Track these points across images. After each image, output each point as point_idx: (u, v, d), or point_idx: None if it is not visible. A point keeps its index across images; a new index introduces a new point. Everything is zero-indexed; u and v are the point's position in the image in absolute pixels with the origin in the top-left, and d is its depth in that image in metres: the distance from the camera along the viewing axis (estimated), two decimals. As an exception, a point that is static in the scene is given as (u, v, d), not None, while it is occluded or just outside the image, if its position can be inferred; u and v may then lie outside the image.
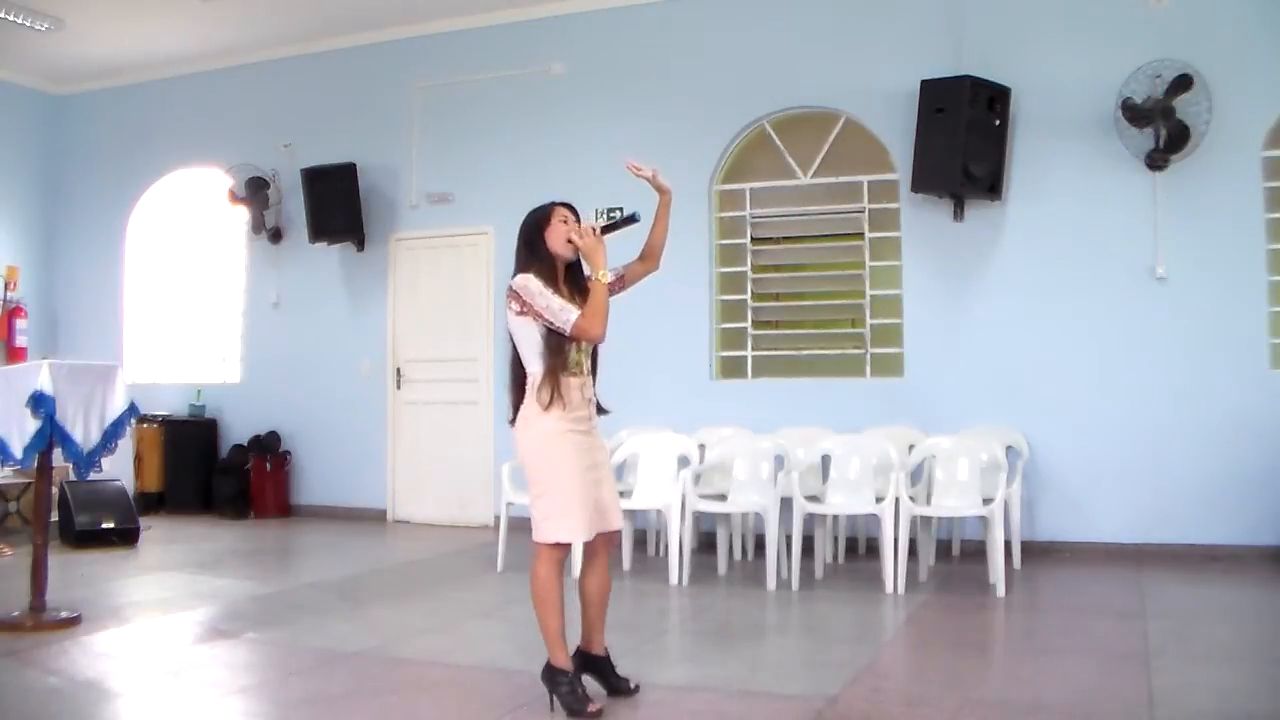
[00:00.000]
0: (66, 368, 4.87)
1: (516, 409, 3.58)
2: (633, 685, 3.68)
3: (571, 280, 3.59)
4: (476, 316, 8.42)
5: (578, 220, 3.60)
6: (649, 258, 3.76)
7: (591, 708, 3.45)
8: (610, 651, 3.72)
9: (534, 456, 3.52)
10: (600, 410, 3.65)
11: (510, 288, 3.50)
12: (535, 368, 3.50)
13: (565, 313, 3.42)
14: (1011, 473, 6.05)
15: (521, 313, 3.47)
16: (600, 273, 3.47)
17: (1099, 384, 6.67)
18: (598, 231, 3.53)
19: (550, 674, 3.54)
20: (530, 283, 3.46)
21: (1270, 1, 6.42)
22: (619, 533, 3.69)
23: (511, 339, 3.56)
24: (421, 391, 8.61)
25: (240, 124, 9.30)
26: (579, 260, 3.59)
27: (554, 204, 3.62)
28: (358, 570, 6.47)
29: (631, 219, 3.62)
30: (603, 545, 3.64)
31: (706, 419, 7.08)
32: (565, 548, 3.54)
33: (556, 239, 3.54)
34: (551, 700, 3.53)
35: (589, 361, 3.59)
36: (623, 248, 3.69)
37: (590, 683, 3.64)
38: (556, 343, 3.46)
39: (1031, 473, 6.64)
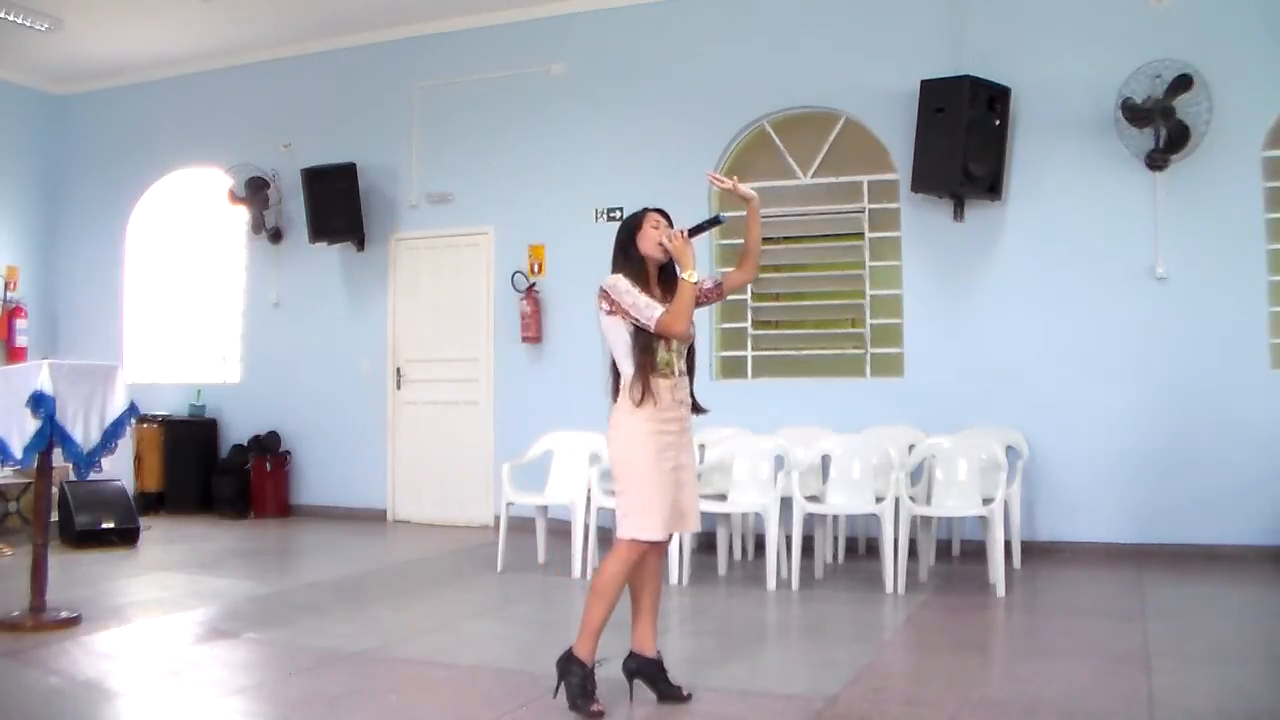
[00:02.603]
0: (66, 368, 4.87)
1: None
2: (685, 693, 3.66)
3: (664, 282, 3.66)
4: (476, 316, 8.42)
5: (670, 225, 3.67)
6: (746, 265, 3.83)
7: (595, 708, 3.45)
8: (663, 656, 3.71)
9: (619, 453, 3.58)
10: (697, 410, 3.71)
11: (600, 288, 3.58)
12: (626, 367, 3.57)
13: (650, 310, 3.48)
14: (1011, 473, 6.04)
15: (611, 312, 3.55)
16: (688, 273, 3.53)
17: (1099, 384, 6.67)
18: (685, 234, 3.61)
19: (567, 661, 3.53)
20: (619, 282, 3.55)
21: (1270, 1, 6.42)
22: (670, 536, 3.74)
23: (604, 340, 3.63)
24: (421, 391, 8.62)
25: (240, 124, 9.30)
26: (672, 263, 3.66)
27: (647, 209, 3.70)
28: (358, 570, 6.48)
29: (716, 220, 3.75)
30: (658, 548, 3.66)
31: (707, 419, 7.04)
32: (643, 547, 3.54)
33: (648, 242, 3.62)
34: (557, 687, 3.52)
35: (681, 363, 3.64)
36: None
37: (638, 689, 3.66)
38: (645, 342, 3.53)
39: (1031, 473, 6.64)
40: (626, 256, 3.63)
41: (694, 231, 3.64)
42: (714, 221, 3.74)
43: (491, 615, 5.38)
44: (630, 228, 3.67)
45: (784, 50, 7.52)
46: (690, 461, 3.70)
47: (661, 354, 3.56)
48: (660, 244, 3.60)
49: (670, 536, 3.72)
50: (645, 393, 3.51)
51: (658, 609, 3.73)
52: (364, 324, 8.81)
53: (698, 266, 3.57)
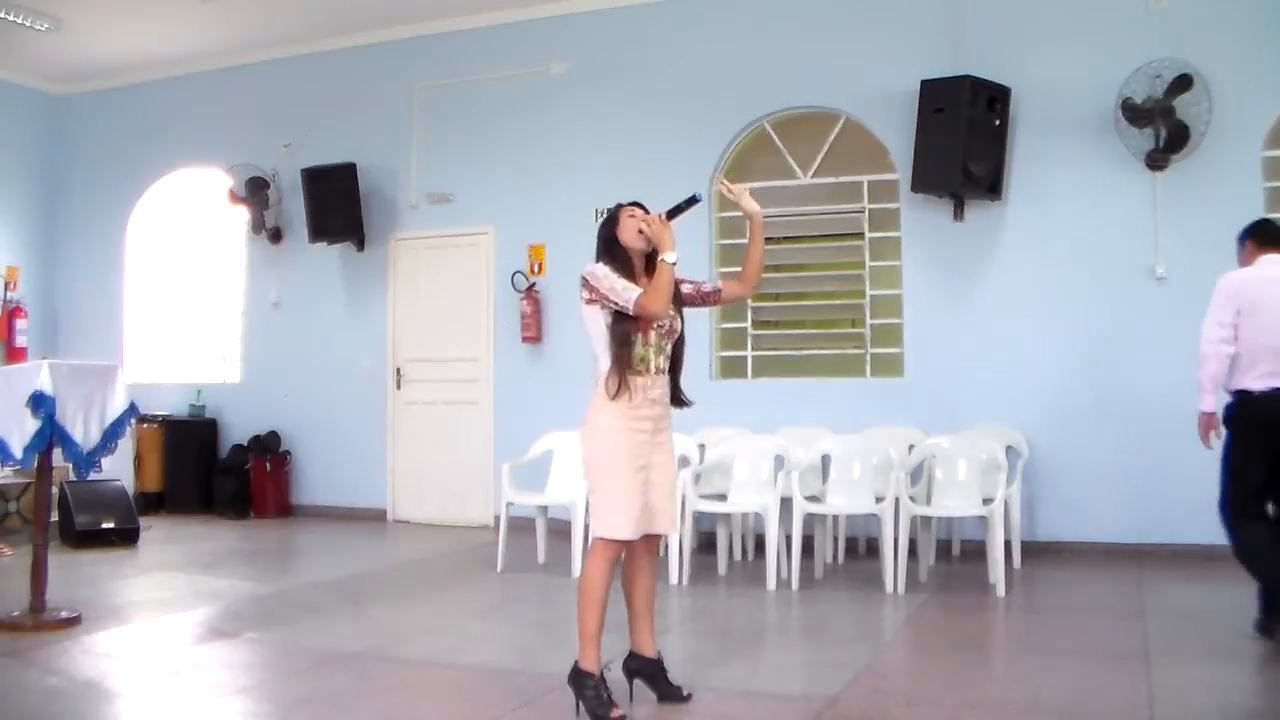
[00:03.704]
0: (66, 368, 4.87)
1: None
2: (685, 693, 3.64)
3: (651, 273, 3.60)
4: (476, 316, 8.42)
5: (645, 212, 3.62)
6: (745, 280, 3.77)
7: (615, 713, 3.41)
8: (664, 656, 3.69)
9: (589, 449, 3.54)
10: (681, 403, 3.65)
11: (581, 275, 3.53)
12: (603, 360, 3.52)
13: (628, 292, 3.43)
14: (1011, 473, 6.04)
15: (591, 300, 3.50)
16: (667, 253, 3.47)
17: (1099, 384, 6.66)
18: (663, 217, 3.56)
19: (577, 677, 3.49)
20: (598, 269, 3.51)
21: (1270, 1, 6.42)
22: (659, 536, 3.69)
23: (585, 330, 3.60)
24: (421, 391, 8.61)
25: (240, 124, 9.30)
26: (651, 251, 3.61)
27: (620, 205, 3.67)
28: (358, 570, 6.48)
29: (693, 200, 3.65)
30: (643, 547, 3.61)
31: (706, 419, 7.06)
32: (618, 546, 3.50)
33: (628, 233, 3.58)
34: (578, 705, 3.48)
35: (660, 360, 3.56)
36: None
37: (637, 688, 3.65)
38: (623, 334, 3.47)
39: (1031, 473, 6.64)
40: (610, 254, 3.58)
41: (672, 213, 3.59)
42: (692, 201, 3.65)
43: (491, 615, 5.38)
44: (609, 224, 3.63)
45: (784, 50, 7.52)
46: (665, 461, 3.60)
47: (639, 348, 3.49)
48: (640, 231, 3.55)
49: (657, 537, 3.64)
50: (621, 386, 3.46)
51: (653, 609, 3.69)
52: (364, 324, 8.81)
53: (677, 248, 3.50)
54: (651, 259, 3.60)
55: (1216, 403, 4.53)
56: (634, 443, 3.48)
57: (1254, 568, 4.32)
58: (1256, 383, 4.32)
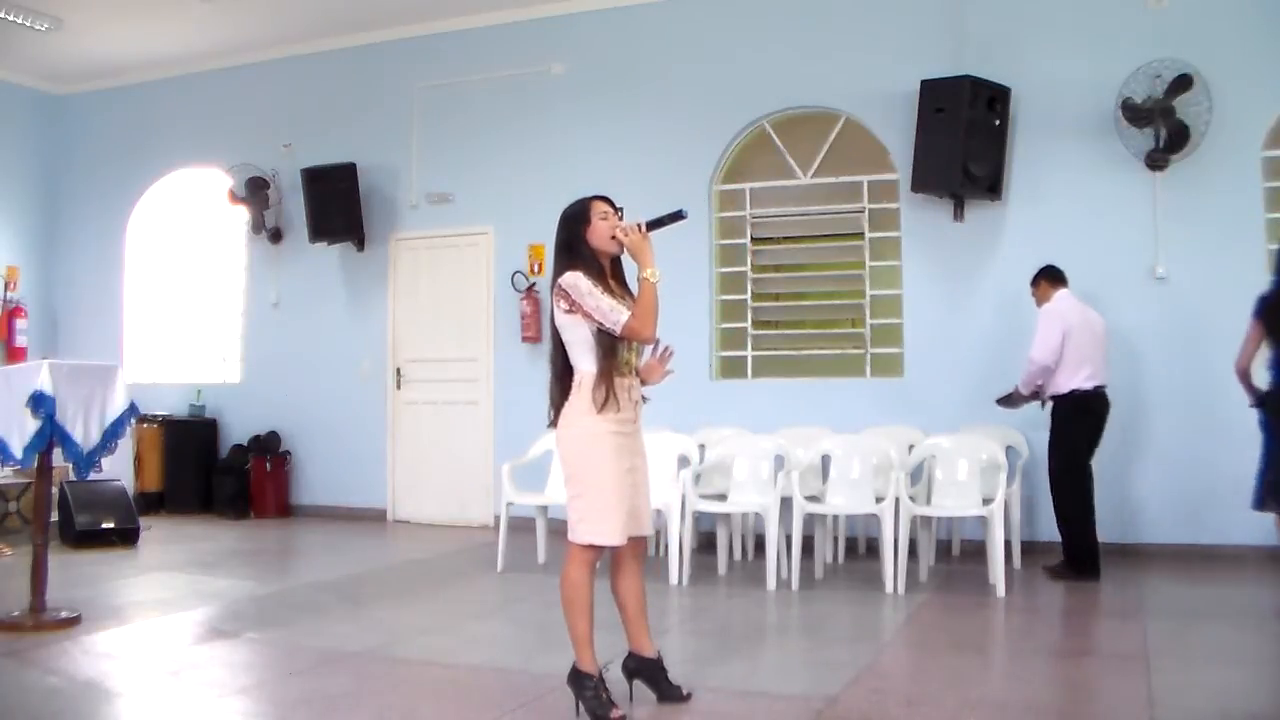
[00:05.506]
0: (66, 368, 4.86)
1: (558, 409, 3.50)
2: (685, 692, 3.62)
3: (617, 276, 3.52)
4: (476, 316, 8.42)
5: (615, 211, 3.48)
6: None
7: (615, 713, 3.39)
8: (663, 656, 3.67)
9: (575, 456, 3.44)
10: (644, 397, 3.58)
11: (559, 286, 3.39)
12: (586, 367, 3.41)
13: (615, 313, 3.32)
14: (1011, 473, 6.05)
15: (570, 311, 3.38)
16: (649, 270, 3.37)
17: (1099, 384, 6.66)
18: (643, 228, 3.43)
19: (576, 678, 3.47)
20: (580, 281, 3.35)
21: (1270, 1, 6.42)
22: (645, 539, 3.63)
23: (557, 337, 3.48)
24: (421, 391, 8.62)
25: (240, 124, 9.30)
26: (621, 255, 3.51)
27: (590, 199, 3.50)
28: (358, 570, 6.47)
29: (678, 215, 3.46)
30: (632, 550, 3.57)
31: (706, 419, 7.08)
32: (598, 550, 3.45)
33: (600, 236, 3.44)
34: (577, 705, 3.46)
35: (636, 361, 3.51)
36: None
37: (638, 688, 3.63)
38: (609, 343, 3.37)
39: (1031, 472, 6.63)
40: (575, 255, 3.42)
41: (653, 225, 3.43)
42: (677, 216, 3.45)
43: (492, 615, 5.37)
44: (576, 222, 3.46)
45: (784, 50, 7.52)
46: (644, 464, 3.57)
47: (623, 354, 3.43)
48: (614, 237, 3.43)
49: (643, 539, 3.59)
50: (609, 396, 3.38)
51: (645, 609, 3.64)
52: (364, 324, 8.81)
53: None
54: (617, 262, 3.52)
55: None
56: (620, 446, 3.44)
57: (1073, 513, 5.74)
58: (1085, 383, 5.77)
